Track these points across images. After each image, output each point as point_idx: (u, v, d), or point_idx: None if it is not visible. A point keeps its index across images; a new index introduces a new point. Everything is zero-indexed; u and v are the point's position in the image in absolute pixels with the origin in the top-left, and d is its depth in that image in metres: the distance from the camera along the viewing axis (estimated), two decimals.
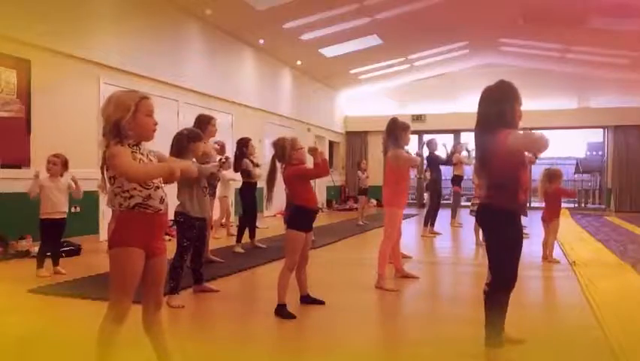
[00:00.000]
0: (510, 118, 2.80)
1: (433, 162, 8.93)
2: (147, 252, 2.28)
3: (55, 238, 5.18)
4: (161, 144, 8.42)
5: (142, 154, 2.31)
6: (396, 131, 4.80)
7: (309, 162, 3.81)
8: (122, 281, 2.25)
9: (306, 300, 4.02)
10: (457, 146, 10.28)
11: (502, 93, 2.85)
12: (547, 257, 6.14)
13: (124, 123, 2.23)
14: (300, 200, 3.77)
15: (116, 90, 2.38)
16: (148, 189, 2.28)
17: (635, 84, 14.47)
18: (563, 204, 6.83)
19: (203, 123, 5.19)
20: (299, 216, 3.76)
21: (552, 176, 6.15)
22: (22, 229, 5.95)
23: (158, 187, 2.32)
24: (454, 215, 10.34)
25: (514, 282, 2.82)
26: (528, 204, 3.03)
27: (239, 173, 6.70)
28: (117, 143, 2.21)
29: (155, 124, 2.36)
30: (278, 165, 3.89)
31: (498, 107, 2.80)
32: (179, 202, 4.16)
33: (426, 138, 10.69)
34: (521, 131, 2.74)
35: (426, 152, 8.87)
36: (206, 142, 4.61)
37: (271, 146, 3.98)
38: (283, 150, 3.81)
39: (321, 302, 4.02)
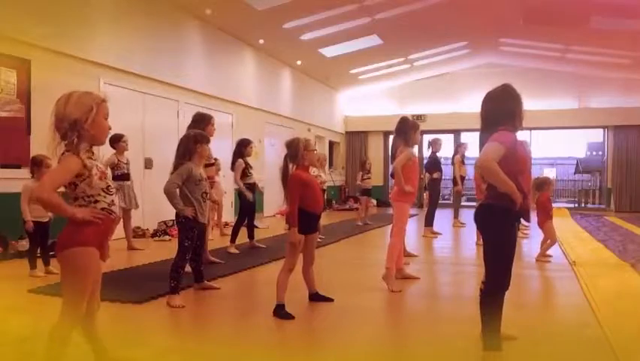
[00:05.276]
0: (512, 119, 2.82)
1: (435, 162, 8.94)
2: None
3: (44, 239, 5.13)
4: (162, 143, 8.39)
5: (94, 160, 2.32)
6: (406, 130, 4.84)
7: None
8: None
9: (316, 298, 4.07)
10: (459, 146, 10.28)
11: (504, 95, 2.87)
12: (539, 256, 6.19)
13: (85, 124, 2.23)
14: (302, 204, 3.76)
15: (73, 91, 2.35)
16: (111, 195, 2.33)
17: (635, 84, 14.47)
18: (563, 204, 6.86)
19: (204, 123, 5.14)
20: (301, 218, 3.75)
21: (540, 185, 6.32)
22: (22, 229, 5.94)
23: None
24: (456, 215, 10.33)
25: (509, 283, 2.83)
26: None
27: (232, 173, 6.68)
28: (72, 147, 2.22)
29: (110, 129, 2.39)
30: (290, 164, 3.86)
31: (500, 108, 2.83)
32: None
33: (427, 137, 10.58)
34: (500, 147, 2.67)
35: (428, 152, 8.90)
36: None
37: (284, 146, 3.94)
38: (297, 149, 3.81)
39: (330, 300, 4.07)
